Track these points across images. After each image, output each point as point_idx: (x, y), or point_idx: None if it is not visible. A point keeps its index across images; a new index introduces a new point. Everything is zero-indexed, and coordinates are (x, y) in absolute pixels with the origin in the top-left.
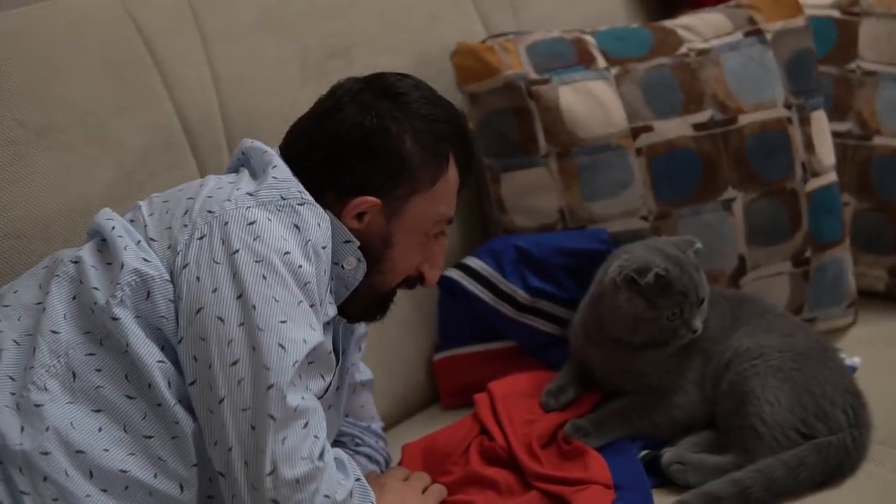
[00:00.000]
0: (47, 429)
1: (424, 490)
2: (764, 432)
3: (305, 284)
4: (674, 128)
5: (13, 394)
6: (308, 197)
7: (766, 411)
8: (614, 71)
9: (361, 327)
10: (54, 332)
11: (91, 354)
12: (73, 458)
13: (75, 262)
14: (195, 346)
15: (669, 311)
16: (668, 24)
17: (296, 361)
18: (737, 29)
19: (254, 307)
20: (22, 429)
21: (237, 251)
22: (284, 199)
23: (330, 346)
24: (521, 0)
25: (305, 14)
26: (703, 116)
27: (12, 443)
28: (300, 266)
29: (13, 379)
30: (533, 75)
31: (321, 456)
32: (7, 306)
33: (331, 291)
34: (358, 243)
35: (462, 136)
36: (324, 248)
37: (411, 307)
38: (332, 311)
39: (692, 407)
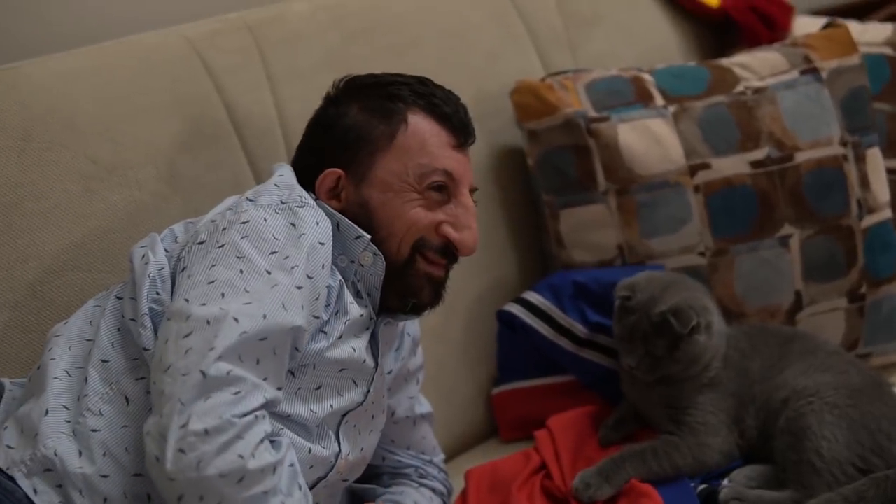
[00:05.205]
0: (104, 454)
1: None
2: (822, 468)
3: (292, 269)
4: (731, 165)
5: (68, 422)
6: (309, 200)
7: (823, 447)
8: (672, 109)
9: (417, 358)
10: (104, 360)
11: (141, 378)
12: (130, 480)
13: (119, 298)
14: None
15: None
16: (725, 62)
17: (244, 332)
18: (792, 67)
19: (241, 271)
20: (80, 453)
21: (224, 245)
22: (284, 203)
23: (353, 354)
24: (578, 39)
25: (367, 54)
26: (759, 154)
27: (72, 466)
28: (286, 257)
29: (67, 408)
30: (592, 113)
31: (241, 417)
32: (59, 336)
33: (358, 294)
34: (369, 237)
35: (423, 92)
36: (321, 244)
37: (470, 341)
38: (353, 310)
39: (721, 446)
